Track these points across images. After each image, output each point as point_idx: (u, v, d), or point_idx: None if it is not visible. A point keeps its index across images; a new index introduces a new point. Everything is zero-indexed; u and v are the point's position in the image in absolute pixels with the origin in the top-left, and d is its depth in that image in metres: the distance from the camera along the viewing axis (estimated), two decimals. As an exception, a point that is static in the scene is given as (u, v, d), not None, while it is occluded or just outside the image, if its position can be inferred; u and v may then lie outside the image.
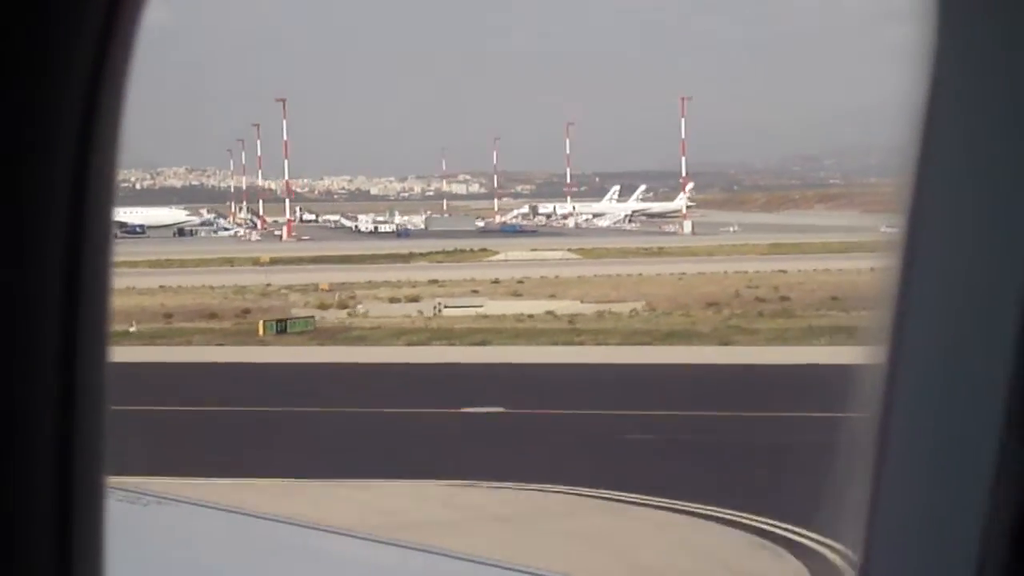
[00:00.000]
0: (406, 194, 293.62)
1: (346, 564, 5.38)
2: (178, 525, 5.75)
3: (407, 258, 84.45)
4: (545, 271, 69.17)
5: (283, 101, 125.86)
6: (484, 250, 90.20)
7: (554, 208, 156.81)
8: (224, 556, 5.40)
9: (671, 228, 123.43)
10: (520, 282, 63.69)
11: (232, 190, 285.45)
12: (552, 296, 56.44)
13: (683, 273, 66.71)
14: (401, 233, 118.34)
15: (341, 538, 6.21)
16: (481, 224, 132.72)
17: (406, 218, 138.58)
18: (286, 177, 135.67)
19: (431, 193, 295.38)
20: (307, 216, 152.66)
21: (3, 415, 1.45)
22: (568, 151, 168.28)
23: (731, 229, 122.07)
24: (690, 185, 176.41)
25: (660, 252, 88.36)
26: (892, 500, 1.76)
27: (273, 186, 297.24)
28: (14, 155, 1.46)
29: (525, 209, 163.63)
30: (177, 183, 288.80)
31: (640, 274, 67.68)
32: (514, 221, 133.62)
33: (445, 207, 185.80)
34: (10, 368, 1.46)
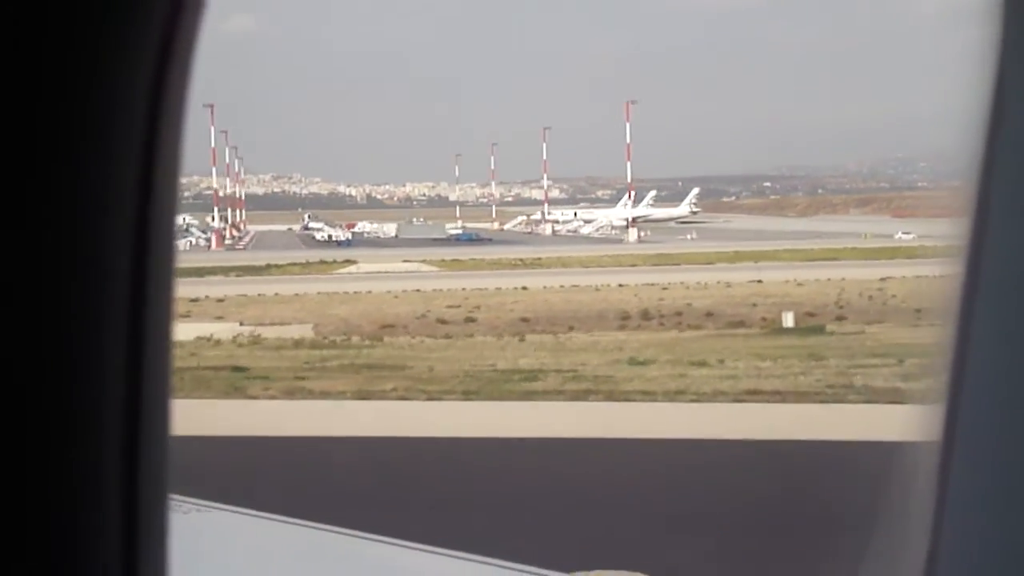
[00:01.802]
0: (484, 199, 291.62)
1: (386, 571, 5.24)
2: (219, 532, 5.71)
3: (260, 271, 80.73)
4: (348, 286, 64.61)
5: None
6: (348, 261, 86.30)
7: (542, 214, 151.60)
8: (267, 563, 5.38)
9: (630, 237, 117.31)
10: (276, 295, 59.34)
11: (308, 196, 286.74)
12: (219, 318, 51.83)
13: (471, 287, 61.57)
14: (342, 243, 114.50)
15: (378, 544, 5.97)
16: (454, 232, 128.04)
17: (376, 225, 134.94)
18: (241, 176, 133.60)
19: (510, 199, 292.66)
20: (309, 224, 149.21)
21: (69, 428, 1.46)
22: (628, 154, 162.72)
23: (689, 237, 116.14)
24: (695, 190, 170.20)
25: (533, 264, 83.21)
26: (955, 533, 1.76)
27: (353, 192, 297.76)
28: (81, 162, 1.47)
29: (537, 215, 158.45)
30: (260, 190, 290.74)
31: (434, 289, 62.48)
32: (468, 230, 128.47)
33: (494, 213, 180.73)
34: (75, 380, 1.47)
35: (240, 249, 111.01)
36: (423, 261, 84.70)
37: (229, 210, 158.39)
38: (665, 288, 58.69)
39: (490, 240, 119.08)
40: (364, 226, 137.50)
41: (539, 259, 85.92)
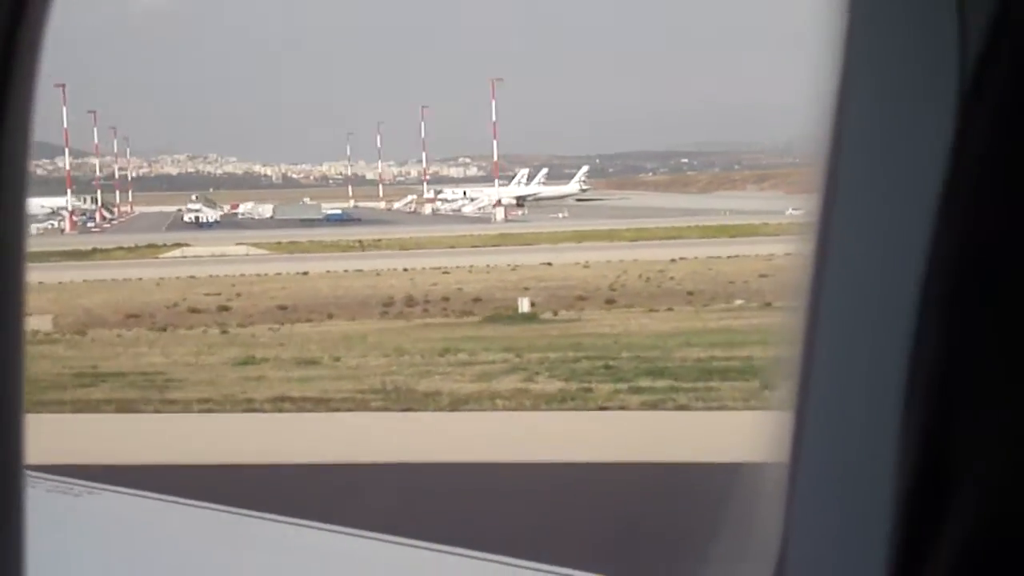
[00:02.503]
0: (401, 178, 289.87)
1: (278, 550, 5.34)
2: (108, 513, 5.73)
3: (85, 255, 78.17)
4: (149, 272, 62.21)
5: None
6: (177, 244, 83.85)
7: (434, 192, 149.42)
8: (156, 543, 5.31)
9: (498, 217, 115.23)
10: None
11: (223, 176, 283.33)
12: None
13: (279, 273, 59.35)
14: (205, 225, 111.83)
15: (270, 523, 5.97)
16: (328, 212, 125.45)
17: (252, 205, 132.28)
18: (127, 157, 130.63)
19: (428, 178, 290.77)
20: (189, 205, 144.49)
21: None
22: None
23: (560, 215, 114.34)
24: (584, 167, 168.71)
25: (371, 246, 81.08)
26: (805, 497, 1.86)
27: (269, 172, 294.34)
28: None
29: (430, 194, 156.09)
30: (173, 170, 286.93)
31: (225, 275, 60.17)
32: (344, 211, 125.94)
33: (381, 192, 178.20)
34: None
35: (96, 232, 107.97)
36: (256, 244, 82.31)
37: (116, 192, 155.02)
38: (447, 272, 56.69)
39: (359, 220, 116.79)
40: (246, 207, 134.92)
41: (379, 240, 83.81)
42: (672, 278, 52.61)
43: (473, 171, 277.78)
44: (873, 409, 1.80)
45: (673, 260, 58.14)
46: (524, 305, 42.74)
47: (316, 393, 26.21)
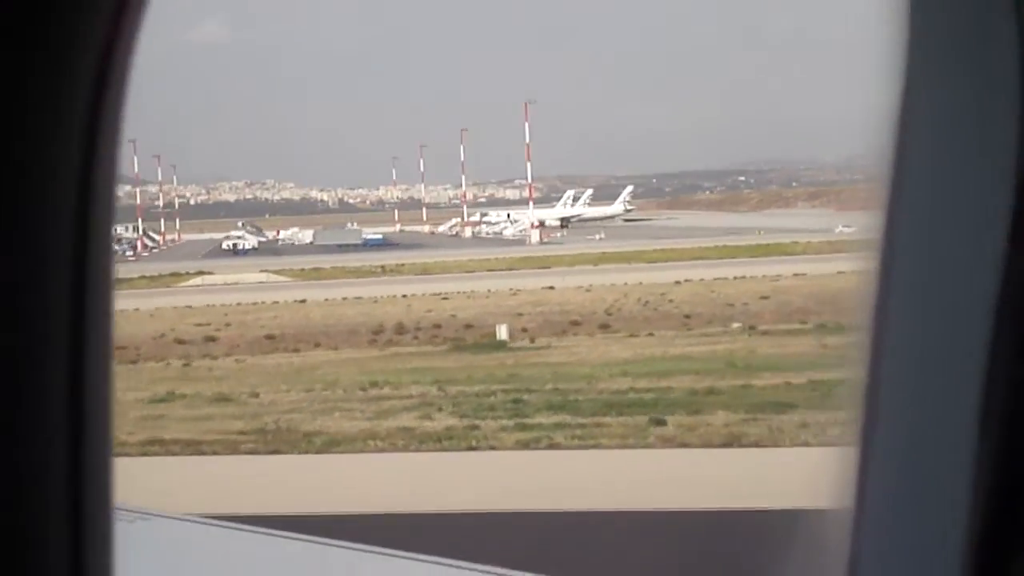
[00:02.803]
0: (457, 201, 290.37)
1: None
2: (167, 540, 5.71)
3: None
4: (163, 300, 61.91)
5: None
6: (200, 272, 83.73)
7: (480, 215, 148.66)
8: (212, 570, 5.31)
9: (532, 239, 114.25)
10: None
11: (280, 202, 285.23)
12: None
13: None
14: (240, 252, 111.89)
15: (329, 548, 5.95)
16: (368, 237, 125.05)
17: (292, 231, 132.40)
18: (174, 185, 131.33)
19: (484, 199, 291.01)
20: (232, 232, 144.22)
21: (13, 440, 1.48)
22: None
23: (598, 237, 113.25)
24: (629, 187, 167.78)
25: (393, 271, 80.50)
26: (875, 505, 1.87)
27: (325, 197, 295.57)
28: (16, 167, 1.48)
29: (476, 217, 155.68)
30: (231, 197, 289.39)
31: (237, 304, 59.67)
32: (375, 236, 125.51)
33: (424, 216, 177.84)
34: (18, 390, 1.48)
35: (131, 261, 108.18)
36: (279, 271, 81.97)
37: (162, 220, 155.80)
38: (446, 298, 55.77)
39: (396, 245, 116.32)
40: (286, 233, 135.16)
41: (402, 265, 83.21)
42: (671, 301, 51.40)
43: (527, 193, 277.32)
44: (945, 438, 1.75)
45: (678, 282, 56.90)
46: (502, 332, 41.70)
47: (196, 434, 25.45)
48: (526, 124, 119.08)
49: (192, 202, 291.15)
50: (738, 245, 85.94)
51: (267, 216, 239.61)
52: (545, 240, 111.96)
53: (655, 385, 28.31)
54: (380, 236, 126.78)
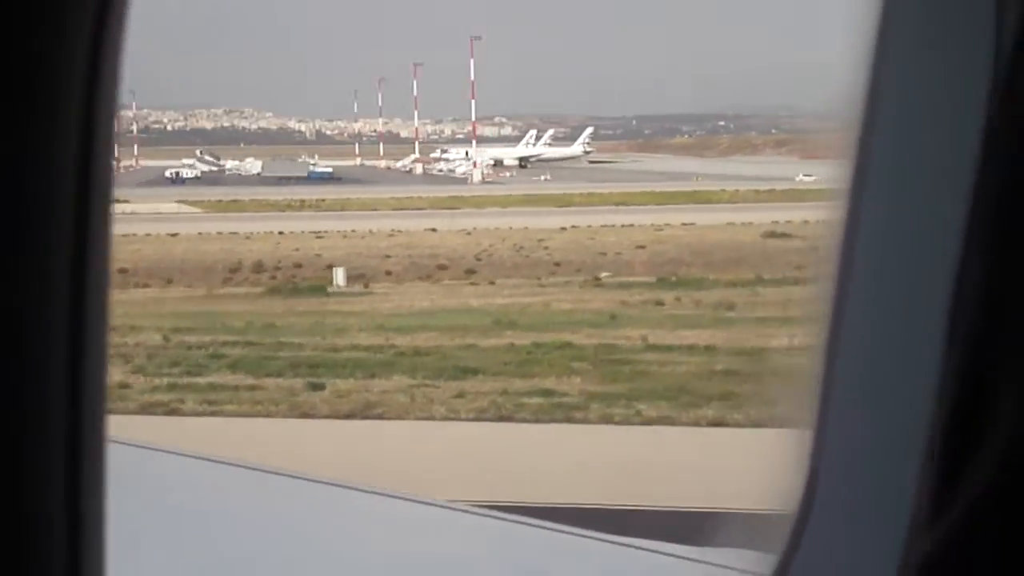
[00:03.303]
0: (435, 136, 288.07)
1: (336, 513, 5.38)
2: (173, 476, 5.83)
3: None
4: None
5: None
6: (118, 201, 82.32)
7: (440, 152, 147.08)
8: (214, 506, 5.37)
9: (475, 178, 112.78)
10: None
11: (257, 132, 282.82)
12: None
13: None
14: (176, 180, 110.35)
15: (329, 488, 6.00)
16: (312, 170, 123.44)
17: (236, 163, 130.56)
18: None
19: (461, 136, 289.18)
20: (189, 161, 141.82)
21: (13, 404, 1.48)
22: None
23: (543, 178, 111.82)
24: (589, 129, 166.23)
25: (313, 205, 79.11)
26: (827, 474, 1.92)
27: (303, 128, 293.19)
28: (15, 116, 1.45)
29: (437, 153, 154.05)
30: (209, 125, 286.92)
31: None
32: (320, 169, 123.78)
33: (382, 151, 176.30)
34: (19, 354, 1.47)
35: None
36: (195, 203, 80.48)
37: (135, 147, 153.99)
38: (320, 237, 54.47)
39: (339, 179, 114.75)
40: (232, 163, 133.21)
41: (323, 200, 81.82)
42: (547, 248, 50.14)
43: (507, 131, 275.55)
44: (903, 404, 1.77)
45: (563, 228, 55.58)
46: (338, 277, 40.42)
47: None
48: (471, 61, 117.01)
49: (169, 128, 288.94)
50: (664, 191, 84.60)
51: (241, 145, 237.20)
52: (488, 180, 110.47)
53: (405, 342, 27.15)
54: (327, 170, 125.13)
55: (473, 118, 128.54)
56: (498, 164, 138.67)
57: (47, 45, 1.42)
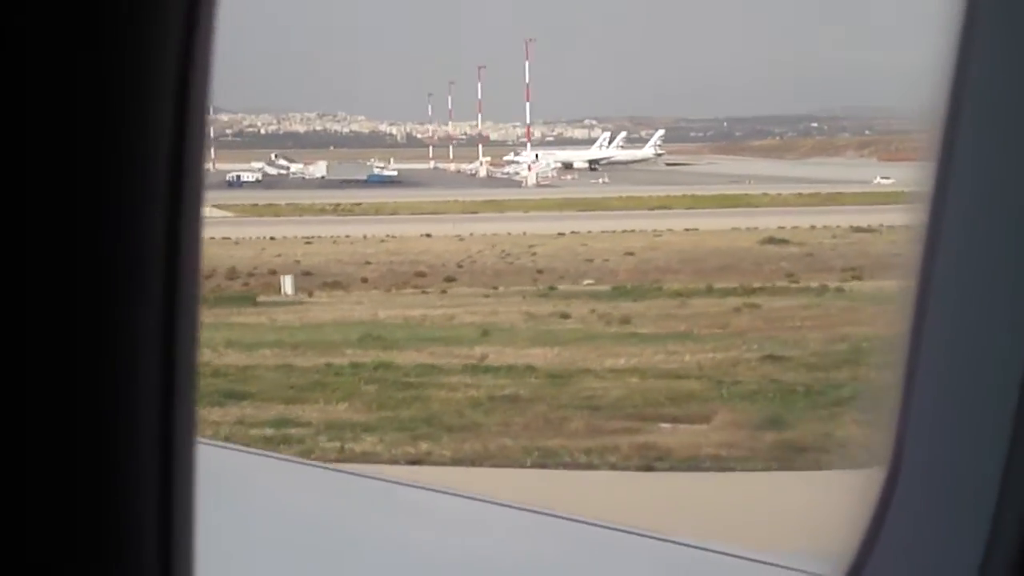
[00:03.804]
0: (524, 139, 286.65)
1: (447, 523, 5.40)
2: (272, 479, 5.95)
3: None
4: None
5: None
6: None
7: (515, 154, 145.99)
8: (311, 509, 5.43)
9: (529, 181, 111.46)
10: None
11: (348, 135, 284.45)
12: None
13: None
14: (233, 184, 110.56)
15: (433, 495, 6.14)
16: (371, 174, 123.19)
17: (300, 166, 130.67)
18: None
19: (551, 139, 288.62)
20: (296, 164, 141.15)
21: (104, 378, 1.49)
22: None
23: (601, 181, 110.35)
24: (660, 131, 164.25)
25: (347, 210, 78.40)
26: (908, 477, 1.93)
27: (394, 131, 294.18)
28: (109, 120, 1.46)
29: (510, 156, 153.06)
30: (301, 128, 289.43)
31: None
32: (380, 172, 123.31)
33: (451, 154, 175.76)
34: (113, 355, 1.49)
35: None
36: (231, 207, 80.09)
37: (213, 151, 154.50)
38: (309, 242, 53.56)
39: (399, 182, 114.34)
40: (296, 167, 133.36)
41: (359, 204, 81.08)
42: (535, 254, 48.72)
43: (597, 133, 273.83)
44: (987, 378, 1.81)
45: (561, 234, 54.13)
46: (287, 285, 39.43)
47: None
48: (526, 63, 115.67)
49: (263, 131, 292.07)
50: (707, 195, 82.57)
51: (331, 148, 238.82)
52: (544, 183, 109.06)
53: (234, 360, 25.98)
54: (391, 173, 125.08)
55: (528, 120, 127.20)
56: (567, 167, 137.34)
57: (138, 45, 1.43)
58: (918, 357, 1.92)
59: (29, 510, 1.42)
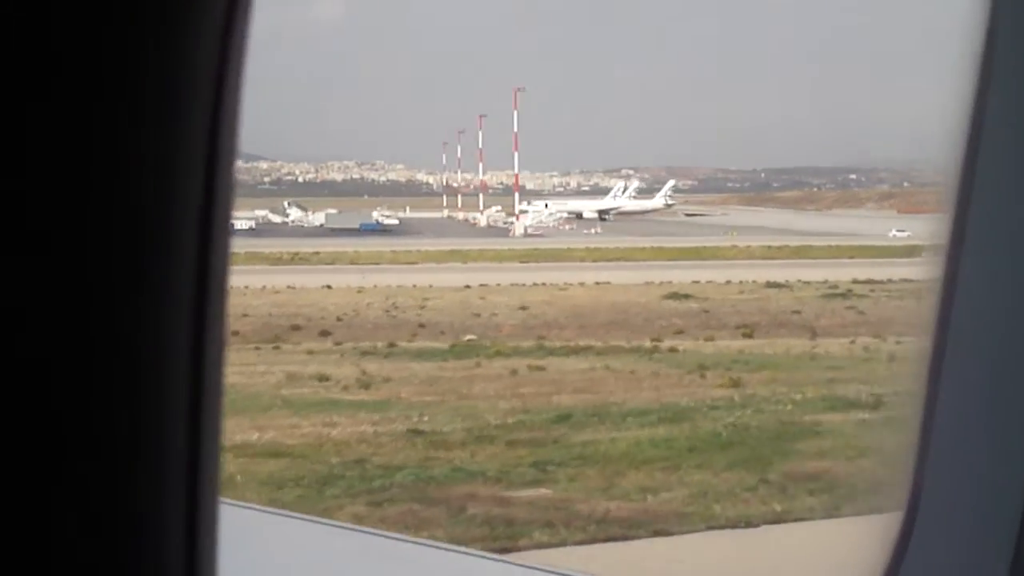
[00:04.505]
0: (560, 188, 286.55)
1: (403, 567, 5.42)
2: (286, 540, 5.84)
3: None
4: None
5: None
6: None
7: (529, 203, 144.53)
8: (327, 570, 5.44)
9: (517, 231, 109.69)
10: None
11: (385, 184, 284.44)
12: None
13: None
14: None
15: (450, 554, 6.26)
16: (363, 222, 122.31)
17: (300, 213, 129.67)
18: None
19: (587, 188, 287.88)
20: (297, 212, 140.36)
21: (132, 426, 1.50)
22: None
23: (594, 231, 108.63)
24: (671, 182, 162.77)
25: (303, 259, 76.89)
26: (935, 490, 1.99)
27: (431, 180, 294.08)
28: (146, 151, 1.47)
29: (524, 205, 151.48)
30: (339, 177, 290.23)
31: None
32: (376, 219, 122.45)
33: (459, 203, 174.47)
34: (139, 383, 1.49)
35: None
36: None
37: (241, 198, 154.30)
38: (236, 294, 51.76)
39: (388, 231, 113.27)
40: (297, 214, 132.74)
41: (317, 253, 79.55)
42: (423, 308, 46.74)
43: (634, 183, 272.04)
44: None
45: (468, 286, 52.16)
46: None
47: None
48: (515, 112, 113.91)
49: (300, 180, 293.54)
50: (674, 247, 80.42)
51: (365, 196, 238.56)
52: (533, 233, 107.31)
53: None
54: (391, 221, 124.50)
55: (516, 170, 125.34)
56: (578, 216, 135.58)
57: (172, 55, 1.44)
58: (934, 407, 1.91)
59: (53, 523, 1.40)
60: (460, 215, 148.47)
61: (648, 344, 36.64)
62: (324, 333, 41.79)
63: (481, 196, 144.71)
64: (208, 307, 1.49)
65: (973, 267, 1.87)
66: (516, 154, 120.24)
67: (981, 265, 1.86)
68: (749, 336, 39.52)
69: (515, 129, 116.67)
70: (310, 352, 36.47)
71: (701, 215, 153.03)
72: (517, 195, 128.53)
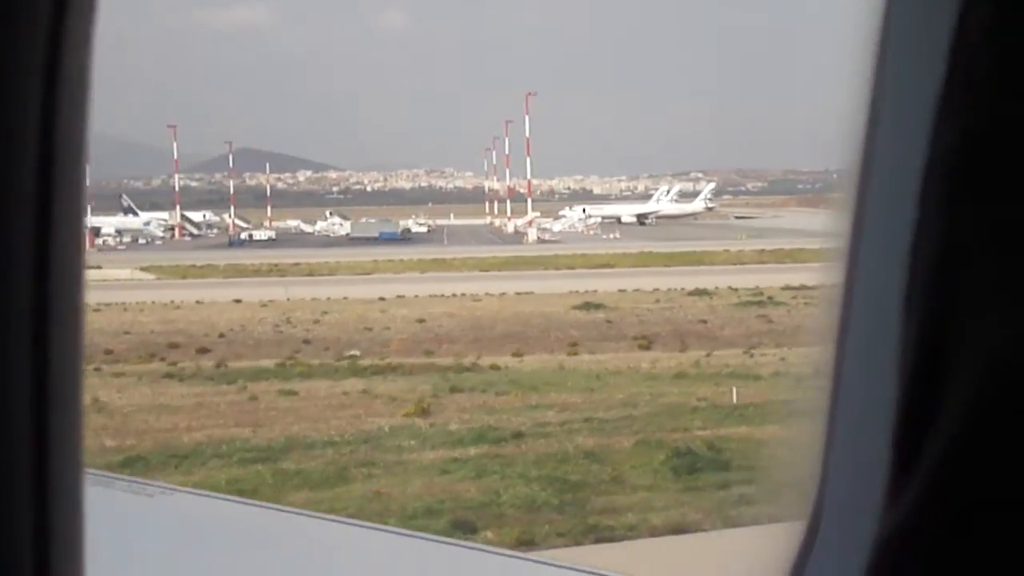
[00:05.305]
0: (628, 192, 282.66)
1: (351, 554, 5.36)
2: (183, 515, 5.78)
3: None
4: None
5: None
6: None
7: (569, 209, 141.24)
8: (229, 546, 5.36)
9: (530, 238, 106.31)
10: None
11: (452, 191, 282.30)
12: None
13: None
14: (234, 243, 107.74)
15: (349, 528, 6.13)
16: (383, 231, 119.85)
17: (326, 223, 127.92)
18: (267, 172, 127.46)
19: (653, 192, 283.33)
20: (326, 221, 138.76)
21: None
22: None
23: (613, 236, 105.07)
24: (710, 185, 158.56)
25: (287, 270, 74.42)
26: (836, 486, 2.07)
27: (497, 186, 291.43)
28: None
29: (565, 211, 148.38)
30: (407, 185, 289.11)
31: None
32: (404, 228, 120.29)
33: (502, 210, 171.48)
34: None
35: (121, 250, 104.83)
36: (159, 268, 76.56)
37: (231, 207, 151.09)
38: (126, 310, 49.28)
39: (408, 240, 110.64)
40: (320, 224, 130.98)
41: (297, 264, 77.04)
42: (318, 323, 43.89)
43: (702, 186, 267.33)
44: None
45: (382, 298, 49.21)
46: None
47: None
48: (526, 117, 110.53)
49: (368, 188, 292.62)
50: (665, 252, 76.77)
51: (430, 204, 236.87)
52: (548, 239, 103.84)
53: None
54: (419, 229, 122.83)
55: (528, 175, 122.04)
56: (617, 221, 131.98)
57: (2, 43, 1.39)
58: (835, 415, 1.96)
59: None
60: (498, 221, 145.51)
61: (467, 362, 33.61)
62: (202, 350, 39.20)
63: (530, 201, 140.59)
64: (49, 313, 1.41)
65: (868, 270, 1.87)
66: (528, 159, 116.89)
67: (879, 268, 1.85)
68: (646, 348, 36.26)
69: (526, 134, 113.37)
70: (118, 375, 33.82)
71: (750, 217, 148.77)
72: (530, 201, 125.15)
